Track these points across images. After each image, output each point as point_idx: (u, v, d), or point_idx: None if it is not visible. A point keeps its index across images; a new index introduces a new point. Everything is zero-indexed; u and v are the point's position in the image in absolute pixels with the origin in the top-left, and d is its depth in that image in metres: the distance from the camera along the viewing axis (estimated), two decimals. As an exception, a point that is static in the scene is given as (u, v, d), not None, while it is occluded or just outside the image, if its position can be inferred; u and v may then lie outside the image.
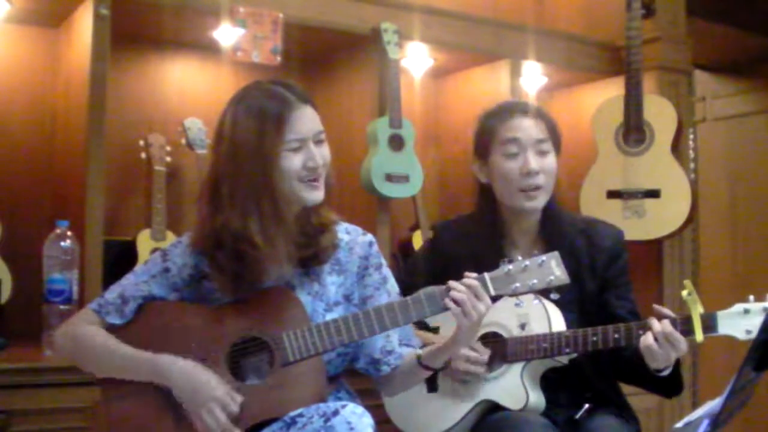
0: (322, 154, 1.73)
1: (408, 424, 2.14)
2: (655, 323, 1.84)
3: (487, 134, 2.12)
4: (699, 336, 1.83)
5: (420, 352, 1.81)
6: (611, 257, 2.09)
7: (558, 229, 2.10)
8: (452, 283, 1.70)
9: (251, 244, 1.65)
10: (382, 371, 1.83)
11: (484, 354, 2.01)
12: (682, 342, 1.83)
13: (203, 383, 1.63)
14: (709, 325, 1.84)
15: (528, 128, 2.08)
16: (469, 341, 1.82)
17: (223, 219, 1.66)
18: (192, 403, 1.63)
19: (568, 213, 2.22)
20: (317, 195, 1.72)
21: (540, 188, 2.06)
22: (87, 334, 1.73)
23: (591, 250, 2.09)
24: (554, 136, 2.12)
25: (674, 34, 3.47)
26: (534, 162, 2.05)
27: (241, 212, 1.65)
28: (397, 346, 1.83)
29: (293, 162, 1.68)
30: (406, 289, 2.00)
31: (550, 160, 2.09)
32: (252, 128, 1.66)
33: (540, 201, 2.07)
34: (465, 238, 2.14)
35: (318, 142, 1.72)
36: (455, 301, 1.68)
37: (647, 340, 1.83)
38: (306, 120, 1.70)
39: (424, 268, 2.18)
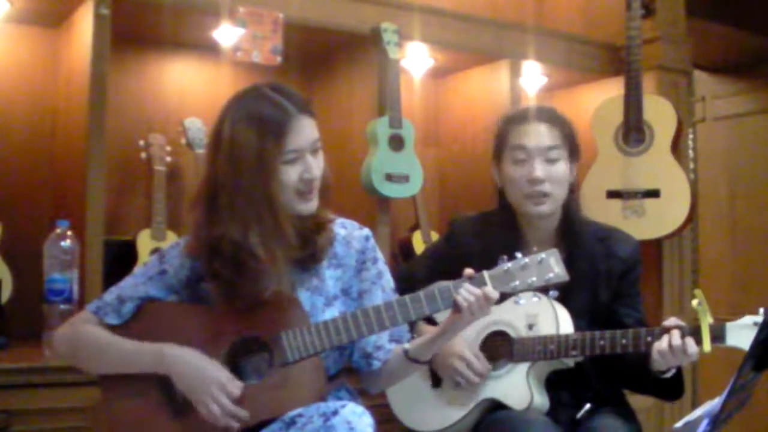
0: (318, 164, 1.72)
1: (411, 418, 2.15)
2: (675, 336, 1.84)
3: (500, 139, 2.13)
4: (707, 346, 1.83)
5: (407, 346, 1.81)
6: (627, 267, 2.09)
7: (576, 237, 2.09)
8: (469, 277, 1.71)
9: (252, 256, 1.65)
10: (373, 366, 1.83)
11: (485, 365, 2.02)
12: (696, 353, 1.83)
13: (204, 369, 1.64)
14: (718, 335, 1.85)
15: (537, 135, 2.07)
16: (454, 336, 1.82)
17: (223, 229, 1.66)
18: (194, 390, 1.64)
19: (587, 220, 2.19)
20: (311, 207, 1.72)
21: (546, 195, 2.05)
22: (86, 332, 1.74)
23: (608, 260, 2.08)
24: (569, 143, 2.10)
25: (674, 34, 3.47)
26: (540, 170, 2.04)
27: (242, 224, 1.65)
28: (386, 342, 1.84)
29: (290, 174, 1.67)
30: (407, 282, 2.00)
31: (559, 168, 2.07)
32: (252, 139, 1.64)
33: (546, 207, 2.06)
34: (481, 236, 2.14)
35: (314, 152, 1.72)
36: (464, 297, 1.68)
37: (662, 345, 1.84)
38: (304, 131, 1.69)
39: (436, 263, 2.18)
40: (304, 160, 1.69)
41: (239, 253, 1.65)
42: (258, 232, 1.65)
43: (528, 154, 2.06)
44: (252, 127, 1.65)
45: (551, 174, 2.06)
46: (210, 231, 1.68)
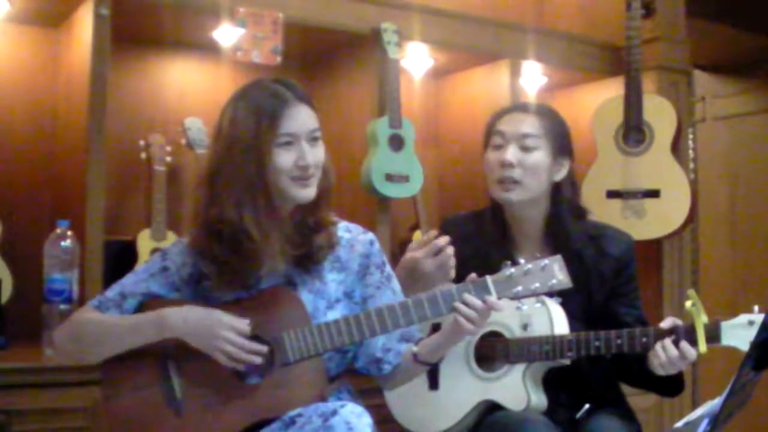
0: (315, 153, 1.73)
1: (409, 420, 2.14)
2: (669, 348, 1.84)
3: (486, 129, 2.15)
4: (702, 347, 1.83)
5: (416, 349, 1.81)
6: (620, 266, 2.07)
7: (564, 236, 2.07)
8: (472, 282, 1.71)
9: (247, 236, 1.67)
10: (384, 370, 1.83)
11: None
12: (694, 355, 1.84)
13: (208, 317, 1.66)
14: (714, 335, 1.84)
15: (517, 123, 2.07)
16: (461, 339, 1.82)
17: (220, 210, 1.68)
18: (204, 340, 1.65)
19: (580, 219, 2.15)
20: (308, 193, 1.72)
21: (516, 182, 2.04)
22: (87, 318, 1.75)
23: (600, 259, 2.06)
24: (552, 134, 2.08)
25: (674, 34, 3.47)
26: (511, 154, 2.04)
27: (237, 205, 1.67)
28: (395, 343, 1.84)
29: (284, 159, 1.69)
30: None
31: (534, 157, 2.05)
32: (248, 124, 1.68)
33: (514, 195, 2.04)
34: (472, 236, 2.14)
35: (312, 140, 1.73)
36: (468, 316, 1.68)
37: (661, 359, 1.84)
38: (300, 117, 1.71)
39: None
40: (299, 146, 1.70)
41: (236, 233, 1.67)
42: (252, 212, 1.67)
43: (504, 140, 2.07)
44: (249, 112, 1.68)
45: (524, 161, 2.04)
46: (208, 213, 1.70)
